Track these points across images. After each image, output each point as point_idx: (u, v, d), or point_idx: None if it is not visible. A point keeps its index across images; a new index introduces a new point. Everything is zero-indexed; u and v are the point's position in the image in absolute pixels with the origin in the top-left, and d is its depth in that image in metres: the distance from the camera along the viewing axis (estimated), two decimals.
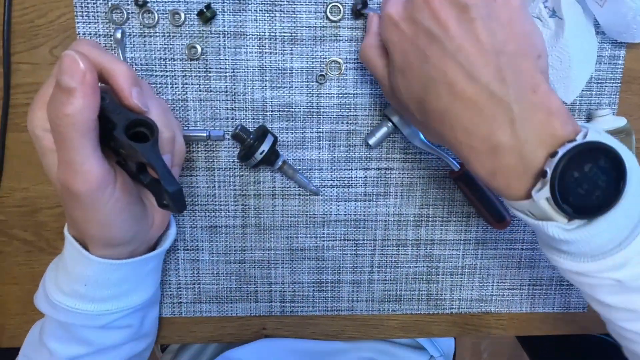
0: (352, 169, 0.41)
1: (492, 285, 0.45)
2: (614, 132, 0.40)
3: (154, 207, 0.34)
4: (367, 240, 0.43)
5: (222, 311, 0.44)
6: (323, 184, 0.42)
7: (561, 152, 0.25)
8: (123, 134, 0.28)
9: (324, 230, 0.43)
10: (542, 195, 0.25)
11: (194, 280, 0.43)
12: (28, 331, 0.43)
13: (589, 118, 0.41)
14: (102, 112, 0.28)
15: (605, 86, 0.41)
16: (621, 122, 0.39)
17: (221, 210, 0.42)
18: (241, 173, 0.41)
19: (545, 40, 0.36)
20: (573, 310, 0.46)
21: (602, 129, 0.28)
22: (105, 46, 0.38)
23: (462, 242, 0.44)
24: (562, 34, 0.36)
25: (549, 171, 0.25)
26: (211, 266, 0.43)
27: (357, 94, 0.40)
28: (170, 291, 0.43)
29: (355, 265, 0.44)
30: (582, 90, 0.41)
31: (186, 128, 0.39)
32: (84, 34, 0.37)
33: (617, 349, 0.34)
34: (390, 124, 0.39)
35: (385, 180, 0.42)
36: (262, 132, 0.37)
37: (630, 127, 0.40)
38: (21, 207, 0.41)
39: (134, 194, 0.32)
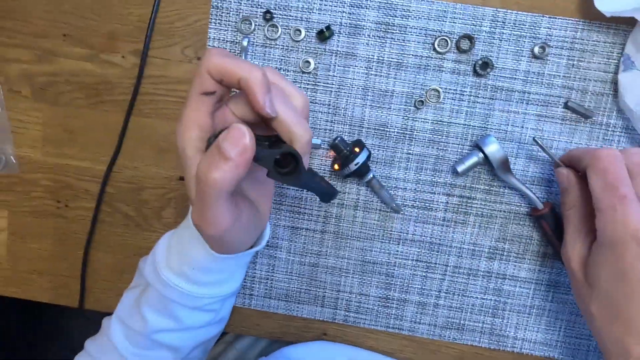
0: (435, 193, 0.43)
1: (559, 331, 0.44)
2: None
3: (263, 213, 0.37)
4: (439, 264, 0.44)
5: (289, 310, 0.46)
6: (405, 203, 0.43)
7: None
8: (274, 173, 0.29)
9: (398, 247, 0.44)
10: None
11: (268, 275, 0.46)
12: (111, 297, 0.47)
13: None
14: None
15: None
16: None
17: (305, 213, 0.44)
18: (331, 182, 0.43)
19: None
20: None
21: None
22: (231, 51, 0.42)
23: (534, 281, 0.44)
24: None
25: None
26: (286, 265, 0.45)
27: (451, 122, 0.42)
28: (245, 282, 0.46)
29: (423, 287, 0.45)
30: None
31: None
32: (214, 38, 0.42)
33: None
34: (481, 155, 0.40)
35: (465, 209, 0.43)
36: (360, 146, 0.40)
37: None
38: (129, 183, 0.45)
39: (254, 213, 0.35)
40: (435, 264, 0.44)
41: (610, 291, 0.32)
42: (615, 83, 0.40)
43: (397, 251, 0.44)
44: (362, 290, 0.45)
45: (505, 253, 0.44)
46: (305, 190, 0.34)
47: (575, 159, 0.36)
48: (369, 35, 0.41)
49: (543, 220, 0.41)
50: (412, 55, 0.41)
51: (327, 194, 0.34)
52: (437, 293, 0.45)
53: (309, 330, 0.47)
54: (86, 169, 0.45)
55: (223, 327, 0.44)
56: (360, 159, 0.39)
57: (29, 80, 0.44)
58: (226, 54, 0.29)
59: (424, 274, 0.45)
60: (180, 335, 0.38)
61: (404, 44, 0.41)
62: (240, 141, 0.26)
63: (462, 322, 0.45)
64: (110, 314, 0.41)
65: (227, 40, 0.42)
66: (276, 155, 0.28)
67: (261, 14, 0.41)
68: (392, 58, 0.41)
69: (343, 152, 0.40)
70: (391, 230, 0.44)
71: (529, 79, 0.41)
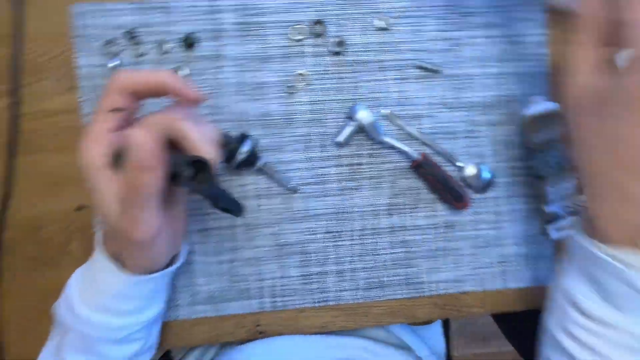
0: (325, 167, 0.47)
1: (466, 266, 0.49)
2: (549, 115, 0.46)
3: (179, 230, 0.38)
4: (345, 231, 0.47)
5: (218, 311, 0.47)
6: (302, 182, 0.46)
7: None
8: (187, 180, 0.31)
9: (305, 225, 0.47)
10: None
11: (188, 282, 0.46)
12: (34, 343, 0.45)
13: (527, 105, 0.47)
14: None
15: (536, 80, 0.48)
16: (552, 105, 0.46)
17: (210, 213, 0.46)
18: (227, 178, 0.46)
19: None
20: (544, 284, 0.50)
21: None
22: (103, 75, 0.44)
23: (432, 226, 0.48)
24: None
25: None
26: (204, 267, 0.46)
27: (324, 100, 0.46)
28: None
29: (337, 256, 0.48)
30: (517, 84, 0.47)
31: None
32: (84, 65, 0.43)
33: None
34: (354, 123, 0.45)
35: (356, 175, 0.47)
36: (242, 136, 0.43)
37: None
38: (28, 224, 0.45)
39: (173, 227, 0.36)
40: (343, 231, 0.47)
41: None
42: (452, 39, 0.47)
43: (306, 228, 0.47)
44: (283, 274, 0.47)
45: (400, 207, 0.48)
46: (217, 207, 0.35)
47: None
48: (231, 37, 0.45)
49: (421, 169, 0.45)
50: (274, 47, 0.45)
51: (238, 206, 0.36)
52: (350, 258, 0.48)
53: (243, 325, 0.48)
54: None
55: (154, 353, 0.44)
56: (245, 147, 0.42)
57: None
58: (132, 70, 0.32)
59: (334, 243, 0.47)
60: None
61: (265, 38, 0.45)
62: (149, 151, 0.29)
63: (380, 279, 0.48)
64: None
65: (96, 65, 0.44)
66: (187, 160, 0.31)
67: (123, 34, 0.43)
68: (257, 53, 0.45)
69: (228, 145, 0.42)
70: (295, 210, 0.47)
71: (381, 49, 0.46)
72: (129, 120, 0.33)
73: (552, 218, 0.49)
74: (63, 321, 0.36)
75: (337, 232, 0.47)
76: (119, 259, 0.35)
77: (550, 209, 0.48)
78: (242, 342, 0.48)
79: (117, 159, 0.32)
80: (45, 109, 0.44)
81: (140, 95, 0.32)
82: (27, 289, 0.45)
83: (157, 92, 0.32)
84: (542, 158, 0.47)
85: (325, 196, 0.47)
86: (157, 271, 0.36)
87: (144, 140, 0.28)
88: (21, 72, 0.43)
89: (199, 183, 0.31)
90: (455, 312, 0.50)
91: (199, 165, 0.31)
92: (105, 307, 0.34)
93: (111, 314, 0.35)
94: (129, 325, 0.36)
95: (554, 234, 0.49)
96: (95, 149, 0.31)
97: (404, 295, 0.49)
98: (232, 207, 0.36)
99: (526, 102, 0.47)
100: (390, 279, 0.48)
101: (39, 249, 0.45)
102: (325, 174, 0.47)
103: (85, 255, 0.45)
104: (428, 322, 0.59)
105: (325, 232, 0.47)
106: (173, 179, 0.31)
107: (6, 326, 0.46)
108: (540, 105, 0.46)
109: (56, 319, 0.37)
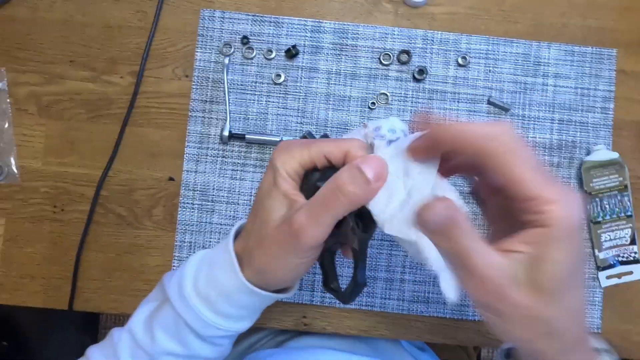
0: None
1: None
2: (609, 163, 0.49)
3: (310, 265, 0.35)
4: None
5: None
6: None
7: None
8: (355, 223, 0.30)
9: None
10: None
11: None
12: (100, 297, 0.50)
13: (588, 152, 0.50)
14: None
15: (600, 130, 0.51)
16: (614, 155, 0.48)
17: None
18: None
19: None
20: (591, 330, 0.50)
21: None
22: (214, 68, 0.51)
23: None
24: None
25: None
26: None
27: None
28: None
29: (389, 264, 0.50)
30: (581, 132, 0.51)
31: (263, 134, 0.50)
32: (200, 59, 0.51)
33: None
34: None
35: None
36: (324, 135, 0.48)
37: (623, 160, 0.49)
38: (123, 186, 0.51)
39: (315, 258, 0.34)
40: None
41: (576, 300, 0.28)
42: (524, 83, 0.51)
43: None
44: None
45: None
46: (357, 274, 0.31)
47: (457, 145, 0.26)
48: (327, 54, 0.51)
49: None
50: (363, 67, 0.51)
51: (359, 285, 0.31)
52: (402, 269, 0.50)
53: (290, 314, 0.50)
54: (83, 175, 0.51)
55: None
56: None
57: (36, 99, 0.51)
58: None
59: (389, 251, 0.50)
60: None
61: (355, 59, 0.51)
62: (382, 170, 0.28)
63: (426, 294, 0.50)
64: (96, 314, 0.43)
65: (211, 61, 0.51)
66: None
67: (239, 39, 0.51)
68: (347, 70, 0.51)
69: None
70: None
71: (457, 82, 0.51)
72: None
73: (604, 265, 0.50)
74: (168, 291, 0.35)
75: (393, 241, 0.50)
76: (244, 260, 0.33)
77: (602, 255, 0.50)
78: (289, 331, 0.50)
79: (307, 176, 0.32)
80: (161, 90, 0.51)
81: (333, 161, 0.31)
82: (109, 244, 0.50)
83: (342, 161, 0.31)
84: (599, 204, 0.49)
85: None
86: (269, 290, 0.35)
87: (384, 162, 0.28)
88: (147, 58, 0.51)
89: (362, 234, 0.30)
90: (496, 342, 0.50)
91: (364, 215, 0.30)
92: (210, 300, 0.34)
93: (212, 309, 0.34)
94: (219, 327, 0.35)
95: (604, 282, 0.50)
96: (293, 162, 0.31)
97: (448, 315, 0.50)
98: (356, 277, 0.31)
99: (588, 149, 0.50)
100: (437, 296, 0.50)
101: (127, 209, 0.51)
102: None
103: (165, 220, 0.50)
104: (464, 347, 0.59)
105: (381, 240, 0.50)
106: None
107: (83, 275, 0.50)
108: (602, 153, 0.49)
109: (162, 287, 0.37)
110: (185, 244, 0.50)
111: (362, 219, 0.30)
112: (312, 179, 0.32)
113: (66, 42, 0.51)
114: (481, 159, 0.25)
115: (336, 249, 0.34)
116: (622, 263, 0.49)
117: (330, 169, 0.32)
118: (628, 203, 0.49)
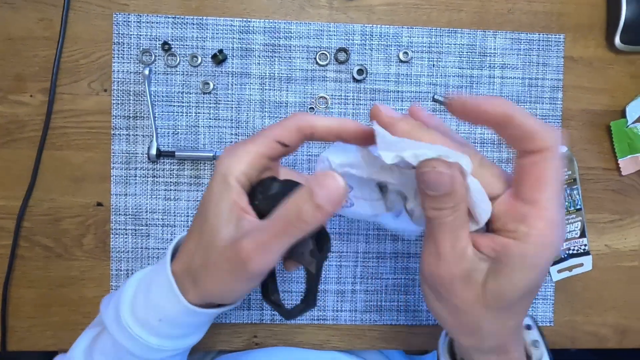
0: None
1: None
2: None
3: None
4: (350, 252, 0.48)
5: (216, 319, 0.48)
6: None
7: None
8: (314, 246, 0.29)
9: None
10: None
11: None
12: (37, 334, 0.47)
13: None
14: None
15: (549, 122, 0.49)
16: (562, 149, 0.47)
17: None
18: None
19: None
20: (540, 324, 0.50)
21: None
22: (134, 80, 0.46)
23: None
24: None
25: None
26: None
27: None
28: None
29: (339, 275, 0.49)
30: None
31: (195, 149, 0.46)
32: (119, 70, 0.46)
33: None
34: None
35: None
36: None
37: (572, 154, 0.47)
38: (47, 215, 0.47)
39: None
40: (347, 252, 0.48)
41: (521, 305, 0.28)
42: (469, 76, 0.48)
43: None
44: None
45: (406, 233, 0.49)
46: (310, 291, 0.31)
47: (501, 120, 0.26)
48: (258, 56, 0.47)
49: None
50: (299, 69, 0.47)
51: (307, 307, 0.31)
52: (352, 279, 0.49)
53: (240, 336, 0.48)
54: (1, 207, 0.46)
55: None
56: None
57: None
58: (315, 116, 0.31)
59: (338, 263, 0.48)
60: None
61: (290, 60, 0.47)
62: (339, 192, 0.25)
63: (379, 303, 0.49)
64: (35, 353, 0.40)
65: (130, 72, 0.46)
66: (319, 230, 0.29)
67: (159, 45, 0.46)
68: (281, 73, 0.47)
69: None
70: None
71: (400, 80, 0.48)
72: (276, 159, 0.32)
73: (555, 260, 0.49)
74: (105, 320, 0.33)
75: (341, 252, 0.48)
76: (185, 282, 0.31)
77: None
78: (239, 350, 0.49)
79: (254, 190, 0.30)
80: (77, 108, 0.46)
81: (312, 138, 0.31)
82: (39, 279, 0.47)
83: (333, 139, 0.31)
84: None
85: (334, 216, 0.48)
86: (215, 306, 0.33)
87: (340, 184, 0.25)
88: (59, 73, 0.46)
89: (321, 256, 0.29)
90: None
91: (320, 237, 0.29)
92: (151, 326, 0.32)
93: (154, 334, 0.32)
94: (167, 349, 0.33)
95: (556, 276, 0.49)
96: (240, 164, 0.29)
97: (401, 322, 0.49)
98: (309, 299, 0.30)
99: None
100: (389, 304, 0.49)
101: (55, 239, 0.47)
102: None
103: (98, 249, 0.47)
104: (423, 353, 0.59)
105: (330, 251, 0.48)
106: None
107: (14, 313, 0.47)
108: None
109: (100, 312, 0.35)
110: (122, 272, 0.47)
111: (318, 239, 0.29)
112: (271, 191, 0.30)
113: None
114: (506, 119, 0.26)
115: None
116: (572, 256, 0.49)
117: (289, 182, 0.30)
118: (577, 196, 0.48)
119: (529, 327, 0.36)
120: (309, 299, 0.30)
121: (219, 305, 0.34)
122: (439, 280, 0.27)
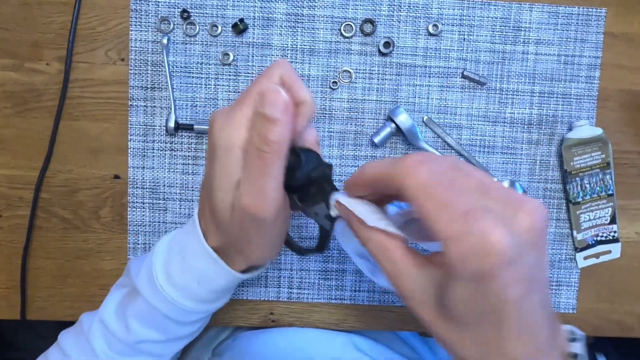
0: (357, 166, 0.46)
1: None
2: (592, 140, 0.45)
3: (285, 232, 0.35)
4: None
5: (234, 294, 0.47)
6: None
7: None
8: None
9: None
10: None
11: None
12: (55, 305, 0.47)
13: (570, 128, 0.46)
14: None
15: (584, 102, 0.46)
16: (597, 131, 0.44)
17: None
18: None
19: None
20: (563, 311, 0.49)
21: None
22: (152, 50, 0.45)
23: None
24: None
25: None
26: None
27: (365, 99, 0.46)
28: None
29: None
30: (563, 105, 0.46)
31: None
32: (136, 39, 0.44)
33: (611, 349, 0.35)
34: (393, 125, 0.44)
35: None
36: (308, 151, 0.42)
37: (606, 136, 0.45)
38: (64, 187, 0.46)
39: (286, 225, 0.33)
40: None
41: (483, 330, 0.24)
42: (502, 52, 0.46)
43: None
44: (302, 266, 0.48)
45: None
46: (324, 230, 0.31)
47: (380, 182, 0.26)
48: (281, 26, 0.45)
49: None
50: (322, 41, 0.45)
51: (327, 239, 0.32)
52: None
53: (256, 312, 0.48)
54: (19, 177, 0.46)
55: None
56: None
57: None
58: (291, 68, 0.30)
59: None
60: (165, 345, 0.37)
61: (313, 31, 0.45)
62: (281, 100, 0.26)
63: None
64: (55, 322, 0.40)
65: (148, 40, 0.45)
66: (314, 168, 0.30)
67: (178, 13, 0.44)
68: (304, 45, 0.45)
69: None
70: None
71: (428, 54, 0.46)
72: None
73: (582, 246, 0.47)
74: (138, 286, 0.34)
75: None
76: (228, 252, 0.33)
77: (581, 237, 0.47)
78: (256, 328, 0.49)
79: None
80: (94, 78, 0.45)
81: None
82: (57, 250, 0.47)
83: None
84: (579, 183, 0.46)
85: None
86: (249, 271, 0.34)
87: (279, 91, 0.26)
88: (75, 40, 0.44)
89: (318, 192, 0.30)
90: None
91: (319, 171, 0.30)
92: (190, 290, 0.33)
93: (191, 298, 0.33)
94: (200, 312, 0.35)
95: (582, 263, 0.48)
96: (240, 130, 0.28)
97: None
98: (321, 247, 0.32)
99: (570, 124, 0.46)
100: None
101: (72, 211, 0.46)
102: None
103: (114, 221, 0.46)
104: None
105: None
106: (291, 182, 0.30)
107: (32, 283, 0.47)
108: (584, 130, 0.45)
109: (129, 275, 0.35)
110: (139, 246, 0.47)
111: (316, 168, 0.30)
112: (305, 169, 0.30)
113: None
114: (400, 194, 0.24)
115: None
116: (600, 243, 0.47)
117: (308, 151, 0.30)
118: (610, 181, 0.46)
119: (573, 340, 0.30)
120: (321, 247, 0.32)
121: (255, 268, 0.36)
122: (408, 304, 0.27)
